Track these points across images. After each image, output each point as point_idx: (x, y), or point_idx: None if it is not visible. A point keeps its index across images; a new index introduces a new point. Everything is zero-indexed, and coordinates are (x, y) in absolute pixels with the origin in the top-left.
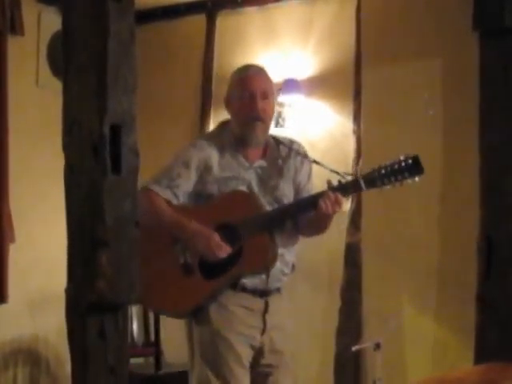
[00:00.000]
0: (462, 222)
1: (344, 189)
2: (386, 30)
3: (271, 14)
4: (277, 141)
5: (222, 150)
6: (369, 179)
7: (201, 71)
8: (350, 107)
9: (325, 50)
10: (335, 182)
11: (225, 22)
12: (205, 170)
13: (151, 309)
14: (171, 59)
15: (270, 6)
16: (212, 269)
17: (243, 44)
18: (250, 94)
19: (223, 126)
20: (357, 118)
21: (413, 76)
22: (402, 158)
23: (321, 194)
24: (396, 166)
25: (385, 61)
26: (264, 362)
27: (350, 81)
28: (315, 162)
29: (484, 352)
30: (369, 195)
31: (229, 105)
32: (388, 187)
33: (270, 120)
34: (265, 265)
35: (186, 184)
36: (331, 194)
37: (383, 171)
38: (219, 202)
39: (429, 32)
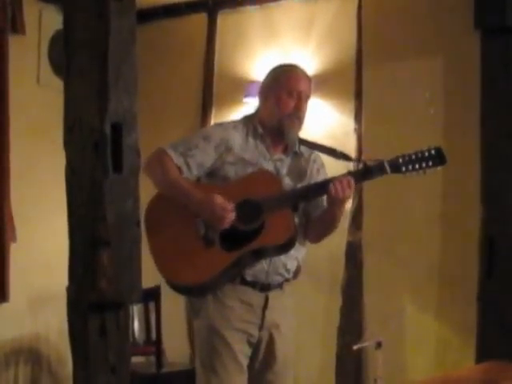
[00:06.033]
0: (464, 221)
1: (370, 171)
2: (387, 29)
3: (272, 13)
4: (300, 140)
5: (245, 136)
6: (394, 164)
7: (202, 70)
8: (351, 106)
9: (326, 49)
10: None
11: (226, 20)
12: (225, 150)
13: (168, 280)
14: (172, 58)
15: (271, 4)
16: (233, 242)
17: (244, 43)
18: (298, 93)
19: (247, 118)
20: (358, 116)
21: (414, 74)
22: (425, 148)
23: (332, 178)
24: (420, 155)
25: (386, 59)
26: (260, 358)
27: (351, 79)
28: (333, 151)
29: (485, 351)
30: (370, 194)
31: (269, 95)
32: (412, 174)
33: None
34: (289, 238)
35: (202, 156)
36: (343, 178)
37: (407, 158)
38: (243, 180)
39: (430, 30)
